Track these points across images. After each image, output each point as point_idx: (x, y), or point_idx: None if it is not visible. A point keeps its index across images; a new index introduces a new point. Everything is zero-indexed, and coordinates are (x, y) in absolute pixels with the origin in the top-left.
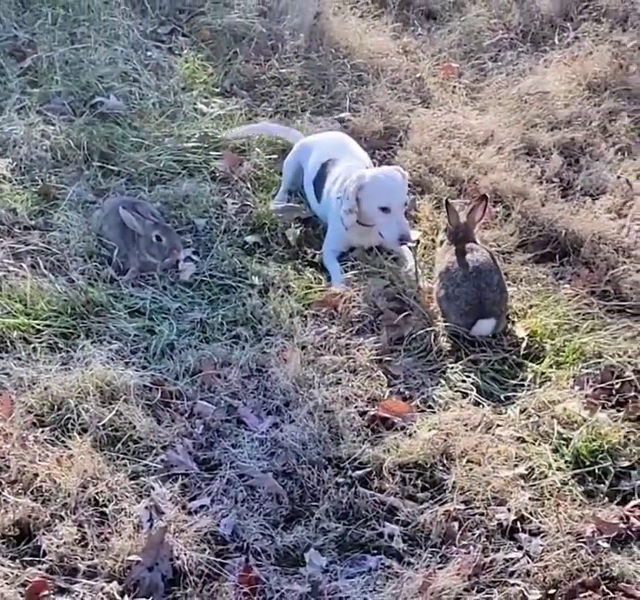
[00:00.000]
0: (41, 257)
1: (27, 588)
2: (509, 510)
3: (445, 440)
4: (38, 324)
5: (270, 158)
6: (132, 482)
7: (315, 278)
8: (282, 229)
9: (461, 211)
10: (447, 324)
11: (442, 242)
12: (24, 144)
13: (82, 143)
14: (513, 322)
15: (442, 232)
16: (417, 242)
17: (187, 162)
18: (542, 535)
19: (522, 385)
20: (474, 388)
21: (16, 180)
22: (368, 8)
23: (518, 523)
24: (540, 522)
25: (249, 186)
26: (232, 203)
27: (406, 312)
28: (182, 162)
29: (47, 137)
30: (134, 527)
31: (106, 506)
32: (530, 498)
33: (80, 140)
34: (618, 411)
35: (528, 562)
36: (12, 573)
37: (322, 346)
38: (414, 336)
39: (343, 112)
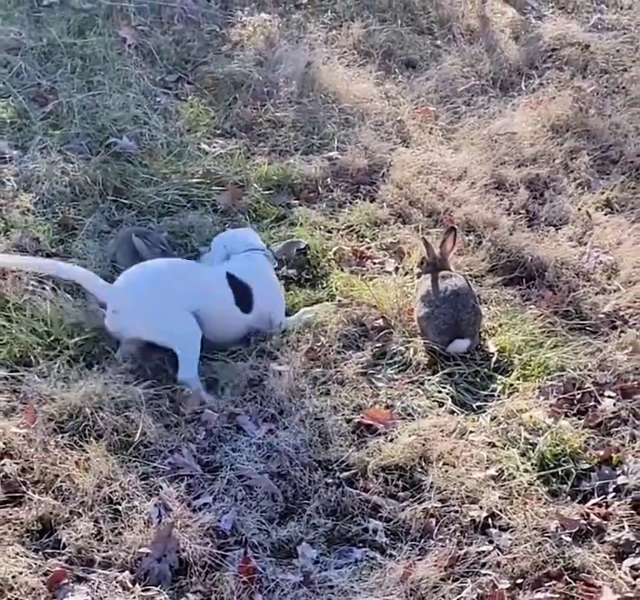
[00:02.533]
0: (61, 281)
1: (48, 577)
2: (481, 508)
3: (423, 444)
4: (58, 341)
5: (267, 192)
6: (143, 482)
7: (306, 298)
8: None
9: (437, 239)
10: (425, 341)
11: (419, 275)
12: (46, 180)
13: (98, 179)
14: (484, 339)
15: (419, 265)
16: None
17: (192, 196)
18: (510, 530)
19: (493, 395)
20: (449, 398)
21: (38, 212)
22: (354, 58)
23: (489, 520)
24: (509, 518)
25: (247, 217)
26: None
27: (388, 331)
28: (187, 196)
29: (67, 174)
30: (144, 523)
31: (119, 503)
32: (500, 497)
33: (96, 177)
34: (579, 419)
35: (498, 555)
36: (36, 564)
37: (312, 360)
38: (395, 351)
39: (332, 152)
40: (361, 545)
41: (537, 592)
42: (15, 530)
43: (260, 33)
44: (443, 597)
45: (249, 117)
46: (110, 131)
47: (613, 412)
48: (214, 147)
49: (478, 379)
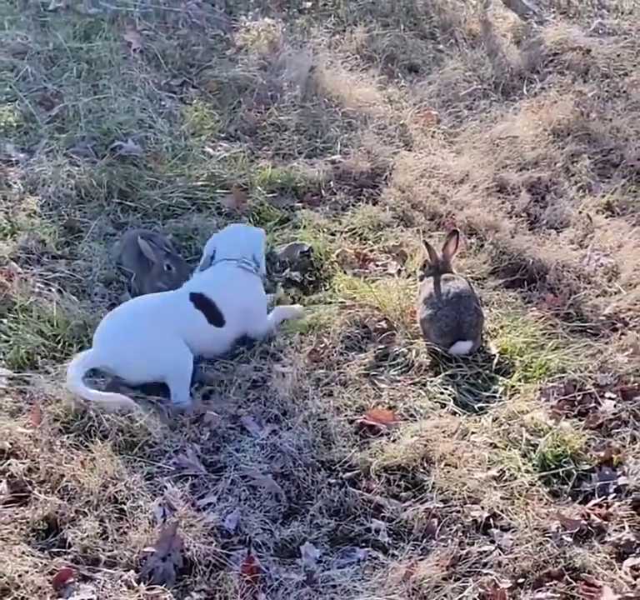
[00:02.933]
0: (67, 283)
1: (54, 576)
2: (483, 508)
3: (425, 445)
4: (64, 342)
5: (270, 195)
6: (148, 482)
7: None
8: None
9: (440, 241)
10: (427, 343)
11: (421, 278)
12: (52, 183)
13: (104, 182)
14: (486, 341)
15: (421, 268)
16: None
17: (197, 199)
18: (512, 530)
19: (494, 397)
20: (451, 399)
21: (45, 215)
22: (357, 63)
23: (491, 520)
24: (510, 518)
25: (251, 219)
26: None
27: (391, 332)
28: (191, 199)
29: (73, 177)
30: (149, 522)
31: (124, 503)
32: (501, 498)
33: (102, 179)
34: (580, 420)
35: (500, 555)
36: (41, 563)
37: (315, 361)
38: (398, 353)
39: (335, 155)
40: (363, 545)
41: (538, 591)
42: (21, 529)
43: (264, 38)
44: (445, 596)
45: (253, 120)
46: (115, 134)
47: (614, 414)
48: (218, 151)
49: (480, 381)
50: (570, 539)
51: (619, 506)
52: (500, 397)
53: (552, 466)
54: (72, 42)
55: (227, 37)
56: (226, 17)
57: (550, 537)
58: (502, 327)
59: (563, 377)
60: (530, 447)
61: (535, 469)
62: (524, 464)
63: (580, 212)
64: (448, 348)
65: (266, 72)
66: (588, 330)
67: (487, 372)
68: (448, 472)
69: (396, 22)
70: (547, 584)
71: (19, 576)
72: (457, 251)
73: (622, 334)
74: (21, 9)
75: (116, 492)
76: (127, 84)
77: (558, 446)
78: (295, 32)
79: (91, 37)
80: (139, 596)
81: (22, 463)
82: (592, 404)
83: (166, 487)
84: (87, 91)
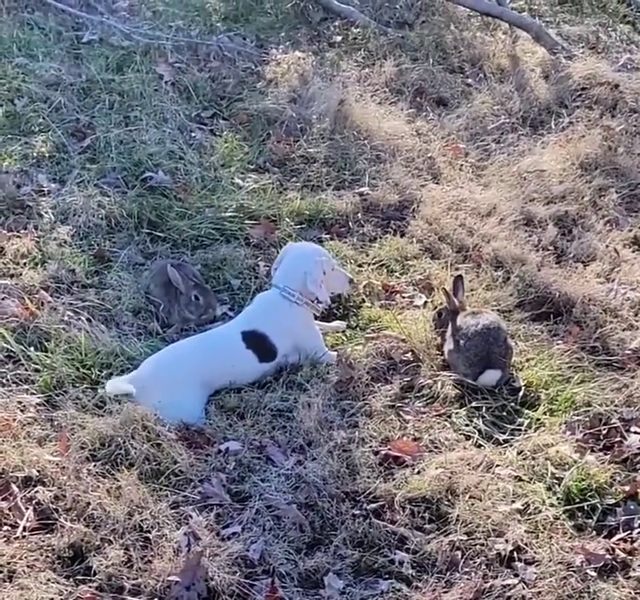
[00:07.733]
0: (96, 312)
1: None
2: (507, 541)
3: (450, 477)
4: (92, 370)
5: (299, 227)
6: (173, 510)
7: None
8: None
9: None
10: (453, 375)
11: (438, 325)
12: (83, 213)
13: (134, 213)
14: (512, 374)
15: (437, 316)
16: None
17: (225, 229)
18: (536, 564)
19: (520, 429)
20: (476, 432)
21: (75, 244)
22: (386, 96)
23: (515, 553)
24: (534, 552)
25: (279, 251)
26: (264, 266)
27: (416, 364)
28: (220, 230)
29: (103, 207)
30: (174, 551)
31: (149, 532)
32: (526, 531)
33: (131, 210)
34: (605, 454)
35: (524, 588)
36: (67, 590)
37: (341, 392)
38: (423, 384)
39: (363, 187)
40: (387, 576)
41: None
42: (47, 556)
43: (294, 71)
44: None
45: (282, 152)
46: (146, 165)
47: (639, 448)
48: (248, 182)
49: (505, 413)
50: (594, 574)
51: None
52: (525, 430)
53: (577, 500)
54: (105, 74)
55: (258, 70)
56: (256, 50)
57: (574, 571)
58: (527, 360)
59: (589, 410)
60: (555, 481)
61: (560, 503)
62: (549, 498)
63: (607, 246)
64: (477, 378)
65: (295, 105)
66: (614, 364)
67: (513, 404)
68: (473, 504)
69: (425, 57)
70: None
71: None
72: (464, 293)
73: None
74: (55, 42)
75: (141, 520)
76: (159, 116)
77: (583, 480)
78: (325, 65)
79: (123, 69)
80: None
81: (49, 491)
82: (618, 438)
83: (191, 516)
84: (119, 122)
